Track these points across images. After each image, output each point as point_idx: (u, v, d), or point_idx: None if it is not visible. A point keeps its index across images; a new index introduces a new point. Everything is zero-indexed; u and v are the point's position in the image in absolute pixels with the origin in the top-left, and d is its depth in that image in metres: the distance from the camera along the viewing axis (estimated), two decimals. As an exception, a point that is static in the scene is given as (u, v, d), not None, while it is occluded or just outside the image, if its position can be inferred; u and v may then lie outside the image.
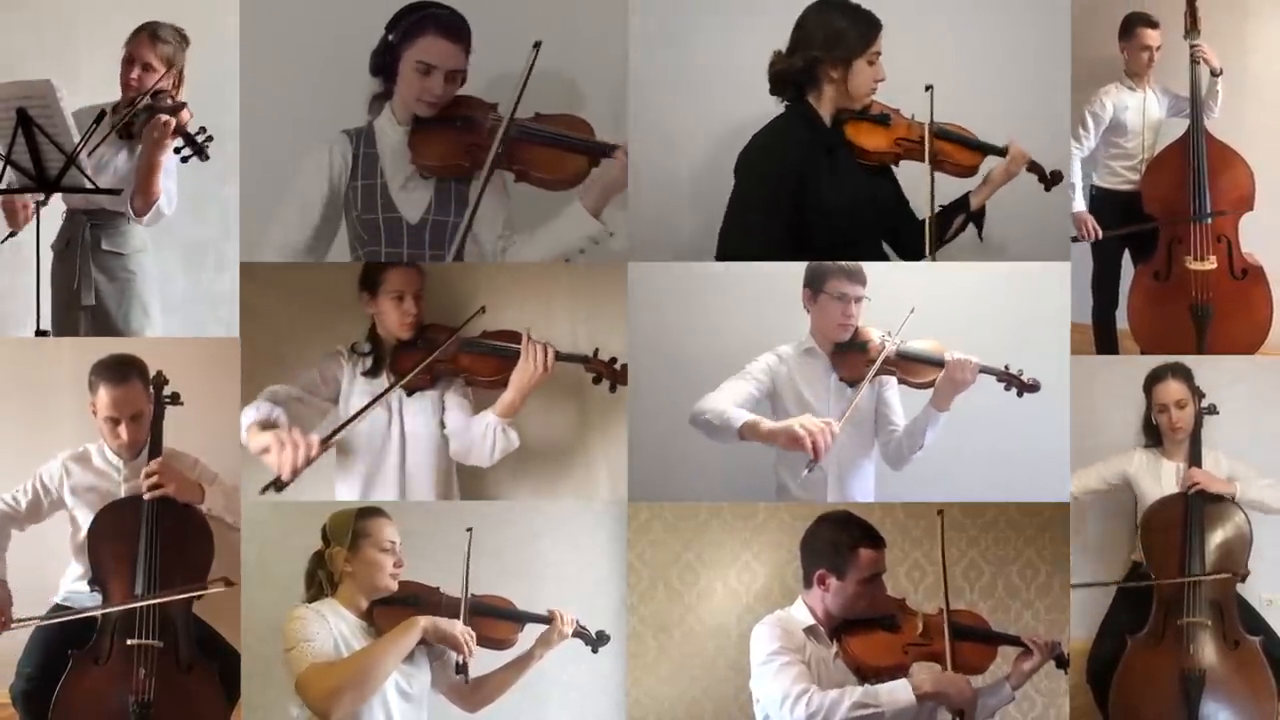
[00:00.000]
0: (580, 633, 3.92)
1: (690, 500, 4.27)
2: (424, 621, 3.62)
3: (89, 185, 4.23)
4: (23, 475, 4.28)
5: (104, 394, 4.17)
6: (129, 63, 4.54)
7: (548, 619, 3.85)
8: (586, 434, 4.20)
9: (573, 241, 4.06)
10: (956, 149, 4.11)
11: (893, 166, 4.14)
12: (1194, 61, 5.02)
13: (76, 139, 4.19)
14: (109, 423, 4.19)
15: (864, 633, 3.67)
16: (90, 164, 4.29)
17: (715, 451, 4.06)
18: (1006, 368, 4.05)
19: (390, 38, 3.99)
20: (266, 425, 3.85)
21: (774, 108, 4.07)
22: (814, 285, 4.08)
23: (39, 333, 4.34)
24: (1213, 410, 4.50)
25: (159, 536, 4.07)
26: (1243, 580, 4.37)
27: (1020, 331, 4.29)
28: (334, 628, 3.59)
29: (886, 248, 4.19)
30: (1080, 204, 5.12)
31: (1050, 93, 4.36)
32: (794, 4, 4.02)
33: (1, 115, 4.19)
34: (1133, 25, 5.16)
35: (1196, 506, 4.38)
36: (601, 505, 4.21)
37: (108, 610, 4.03)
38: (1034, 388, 4.06)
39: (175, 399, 4.23)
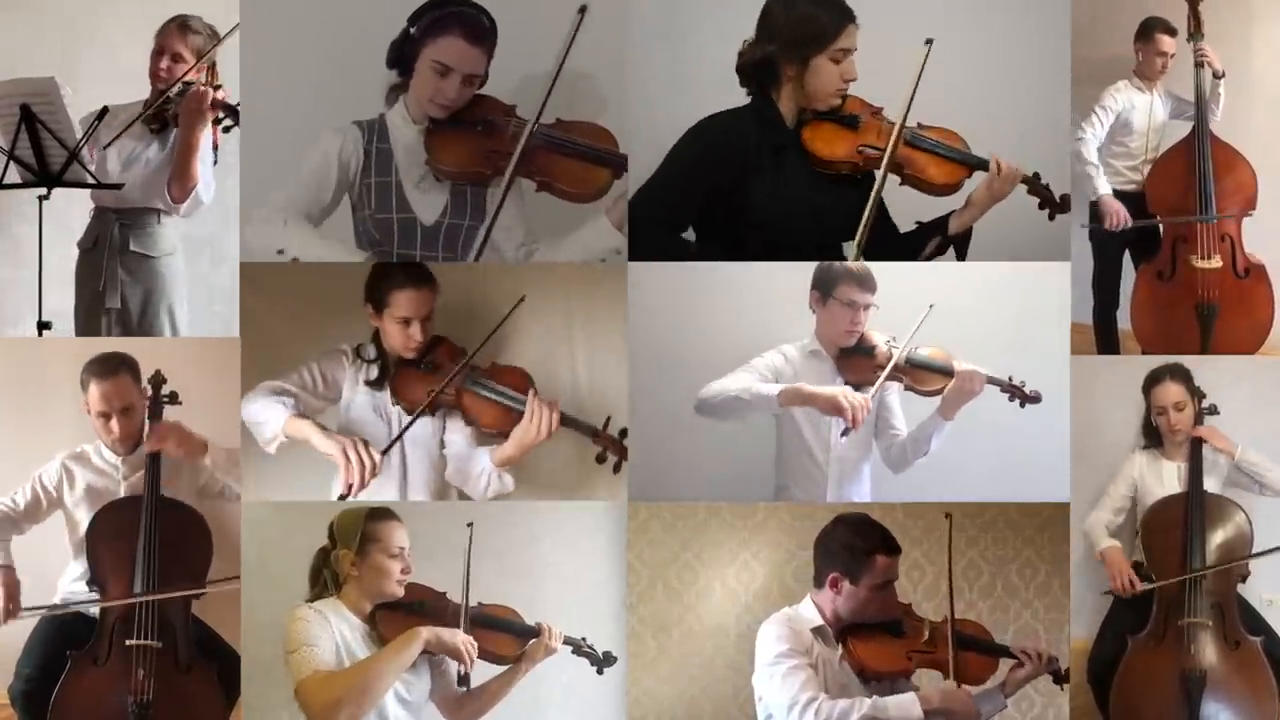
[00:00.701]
0: (586, 651, 3.89)
1: (689, 500, 4.26)
2: (426, 633, 3.58)
3: (91, 180, 4.26)
4: (21, 476, 4.28)
5: (93, 389, 4.18)
6: (158, 54, 4.54)
7: (535, 632, 3.80)
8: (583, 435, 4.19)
9: (594, 253, 4.01)
10: (931, 162, 3.91)
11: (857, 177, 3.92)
12: (1198, 64, 5.02)
13: (79, 136, 4.21)
14: (100, 418, 4.20)
15: (870, 637, 3.67)
16: (119, 159, 4.32)
17: (714, 452, 4.07)
18: (1010, 379, 4.04)
19: (412, 31, 3.86)
20: (301, 414, 3.89)
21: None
22: (823, 288, 4.04)
23: (41, 325, 4.37)
24: (1213, 410, 4.49)
25: (158, 536, 4.07)
26: (1243, 580, 4.37)
27: (1020, 332, 4.30)
28: (336, 630, 3.57)
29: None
30: (1105, 186, 5.07)
31: (1050, 93, 4.34)
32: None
33: (5, 111, 4.23)
34: (1151, 30, 5.13)
35: (1197, 506, 4.38)
36: (601, 506, 4.21)
37: (107, 605, 4.04)
38: (1036, 399, 4.05)
39: (173, 398, 4.23)
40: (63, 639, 4.06)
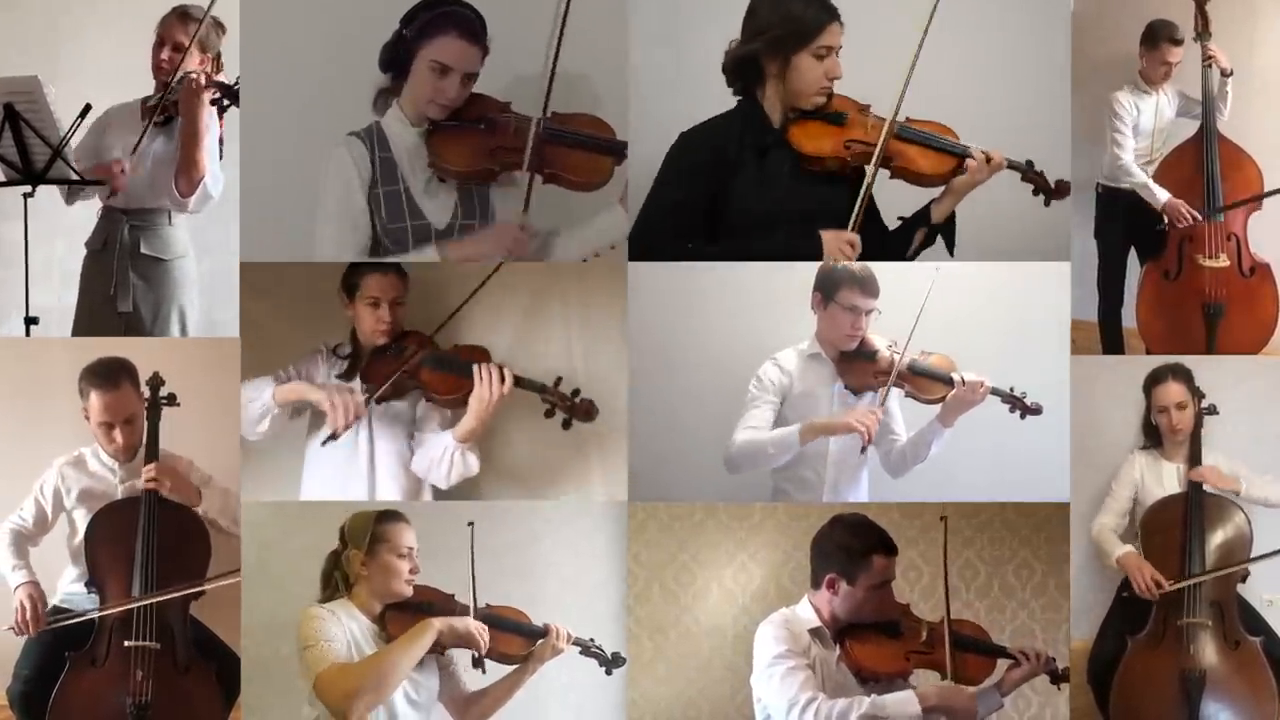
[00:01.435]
0: (595, 652, 3.91)
1: (686, 501, 4.26)
2: (438, 623, 3.63)
3: (74, 177, 4.28)
4: (19, 477, 4.31)
5: (95, 400, 4.18)
6: (159, 45, 4.52)
7: (543, 632, 3.83)
8: (582, 435, 4.20)
9: (603, 241, 4.02)
10: (921, 154, 3.87)
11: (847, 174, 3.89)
12: (1205, 64, 5.00)
13: (63, 133, 4.22)
14: (103, 428, 4.20)
15: (867, 637, 3.67)
16: (130, 160, 4.31)
17: (712, 452, 4.06)
18: (1012, 389, 4.04)
19: (405, 32, 3.84)
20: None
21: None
22: (826, 291, 4.03)
23: (28, 320, 4.39)
24: (1213, 410, 4.47)
25: (156, 538, 4.08)
26: (1243, 581, 4.36)
27: (1020, 332, 4.29)
28: (347, 629, 3.61)
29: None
30: (1163, 193, 5.02)
31: (1050, 93, 4.32)
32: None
33: None
34: (1158, 39, 5.09)
35: (1196, 506, 4.36)
36: (601, 506, 4.21)
37: (105, 612, 4.05)
38: (1037, 411, 4.06)
39: (172, 400, 4.24)
40: (61, 640, 4.07)
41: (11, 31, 5.04)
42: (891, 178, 3.91)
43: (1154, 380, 4.54)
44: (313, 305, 4.14)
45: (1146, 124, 5.17)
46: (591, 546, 4.25)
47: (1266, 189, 4.99)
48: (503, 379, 3.89)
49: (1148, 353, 5.01)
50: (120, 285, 4.50)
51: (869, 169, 3.84)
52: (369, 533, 3.67)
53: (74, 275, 4.63)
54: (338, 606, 3.66)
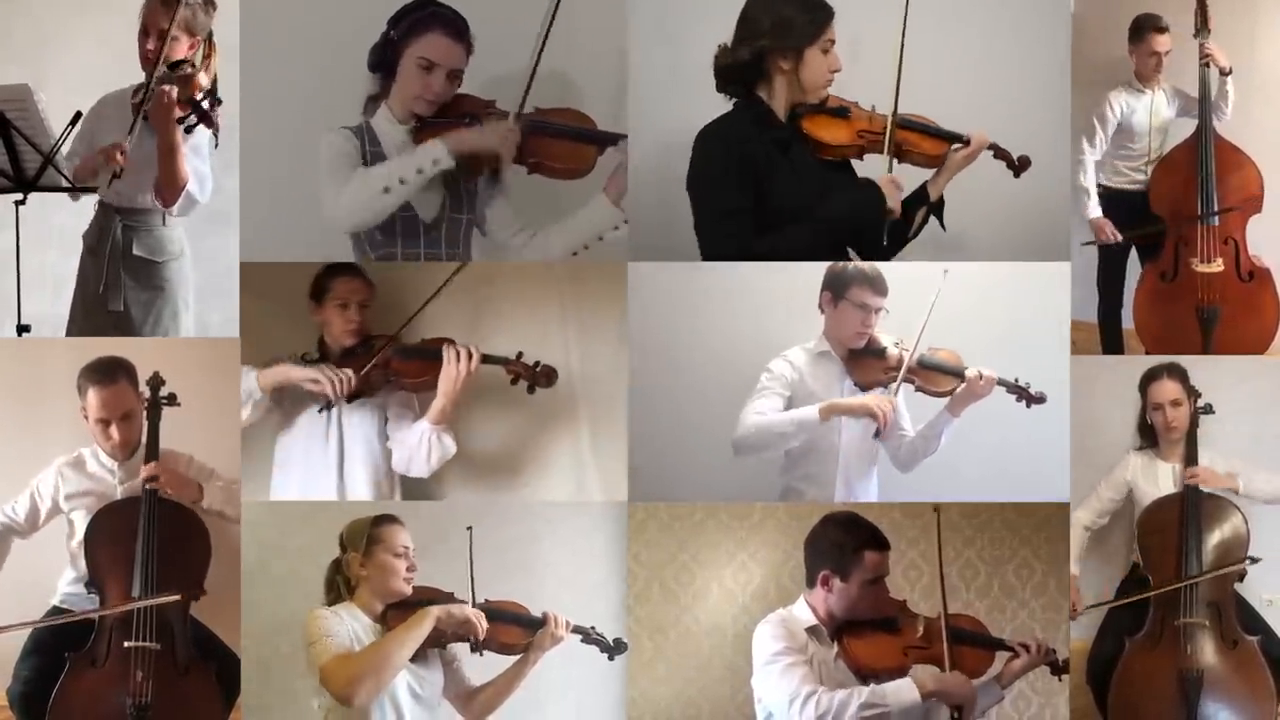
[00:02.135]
0: (595, 639, 3.93)
1: (686, 501, 4.27)
2: (436, 610, 3.68)
3: (66, 185, 4.26)
4: (18, 478, 4.31)
5: (93, 396, 4.18)
6: (144, 34, 4.31)
7: (542, 621, 3.86)
8: (581, 435, 4.22)
9: (595, 231, 4.06)
10: (922, 139, 3.96)
11: (854, 161, 3.99)
12: (1203, 62, 4.99)
13: (54, 141, 4.20)
14: (100, 424, 4.21)
15: (865, 634, 3.68)
16: (130, 140, 4.22)
17: (714, 452, 4.06)
18: (1016, 380, 4.06)
19: (392, 33, 3.95)
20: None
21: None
22: (836, 290, 4.05)
23: (20, 328, 4.38)
24: (1208, 410, 4.47)
25: (156, 538, 4.08)
26: (1240, 580, 4.36)
27: (1020, 332, 4.28)
28: (350, 628, 3.65)
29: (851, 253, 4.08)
30: (1096, 210, 5.09)
31: (1050, 93, 4.32)
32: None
33: None
34: (1143, 31, 5.11)
35: (1193, 506, 4.37)
36: (601, 506, 4.22)
37: (105, 613, 4.04)
38: (1041, 400, 4.08)
39: (172, 399, 4.24)
40: (61, 641, 4.06)
41: (1, 39, 5.04)
42: (900, 162, 3.96)
43: (1149, 378, 4.55)
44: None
45: (1142, 123, 5.17)
46: (591, 546, 4.25)
47: (1266, 191, 4.98)
48: (470, 355, 3.97)
49: (1146, 354, 5.00)
50: (111, 286, 4.42)
51: (884, 156, 3.93)
52: (365, 536, 3.73)
53: (66, 282, 4.58)
54: (341, 608, 3.71)
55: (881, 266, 4.02)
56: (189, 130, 4.20)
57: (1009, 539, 4.35)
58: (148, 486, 4.12)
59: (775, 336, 4.17)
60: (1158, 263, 5.07)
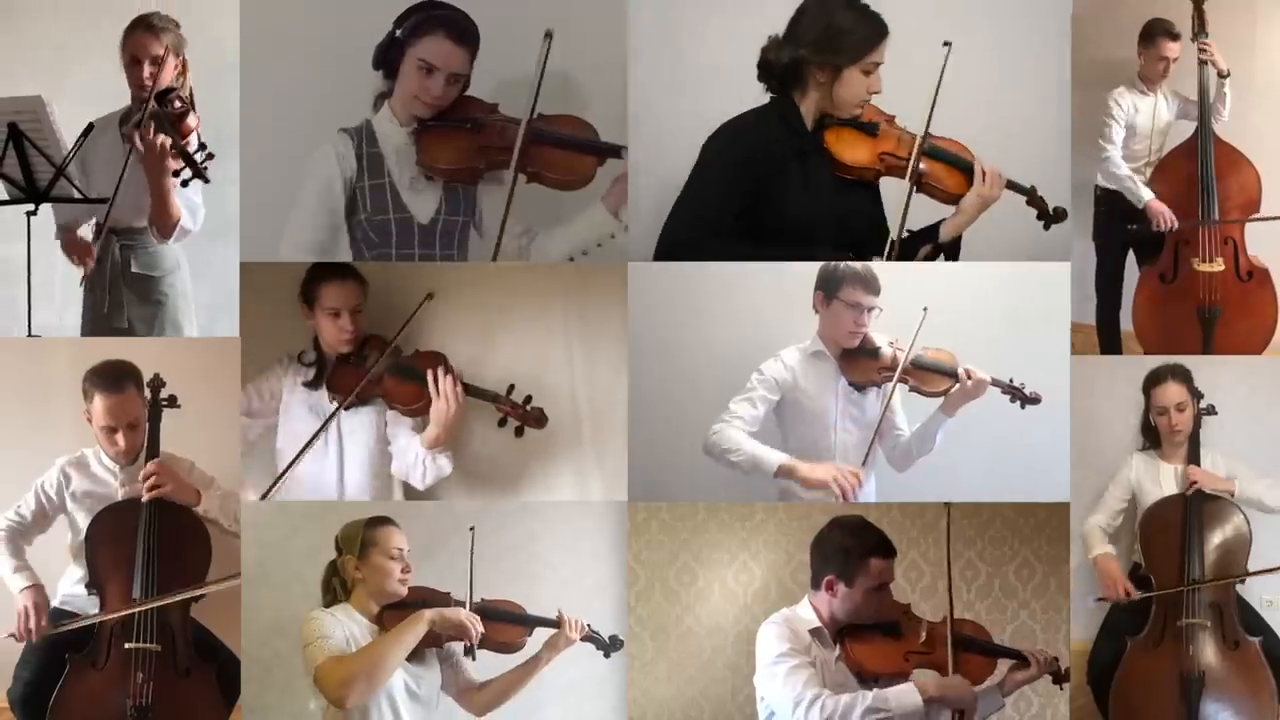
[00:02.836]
0: (592, 636, 3.94)
1: (687, 500, 4.26)
2: (430, 613, 3.69)
3: (77, 195, 4.23)
4: (20, 478, 4.30)
5: (99, 403, 4.17)
6: (136, 63, 4.38)
7: (556, 623, 3.87)
8: (582, 435, 4.22)
9: (590, 239, 4.08)
10: (948, 172, 3.95)
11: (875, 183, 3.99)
12: (1201, 64, 4.99)
13: (66, 152, 4.19)
14: (105, 431, 4.20)
15: (867, 638, 3.68)
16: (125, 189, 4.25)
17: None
18: (1011, 380, 4.07)
19: (397, 33, 3.94)
20: None
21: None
22: (828, 289, 4.05)
23: (30, 338, 4.38)
24: (1211, 411, 4.48)
25: (157, 539, 4.08)
26: (1242, 581, 4.36)
27: (1020, 332, 4.29)
28: (345, 628, 3.66)
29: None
30: (1147, 192, 5.04)
31: (1050, 93, 4.33)
32: (795, 3, 3.93)
33: None
34: (1155, 35, 5.09)
35: (1195, 507, 4.37)
36: (601, 506, 4.21)
37: (106, 618, 4.04)
38: (1035, 400, 4.08)
39: (172, 401, 4.23)
40: (61, 642, 4.07)
41: (15, 52, 5.02)
42: (918, 192, 3.95)
43: (1153, 381, 4.55)
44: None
45: (1144, 125, 5.17)
46: (592, 546, 4.24)
47: (1264, 192, 4.98)
48: (454, 385, 3.98)
49: (1145, 355, 4.97)
50: (114, 305, 4.47)
51: (904, 184, 3.91)
52: (360, 538, 3.75)
53: (75, 293, 4.59)
54: (337, 610, 3.72)
55: (875, 266, 4.00)
56: (185, 184, 4.25)
57: (1010, 539, 4.35)
58: (147, 485, 4.11)
59: (775, 337, 4.17)
60: (1157, 264, 5.06)
